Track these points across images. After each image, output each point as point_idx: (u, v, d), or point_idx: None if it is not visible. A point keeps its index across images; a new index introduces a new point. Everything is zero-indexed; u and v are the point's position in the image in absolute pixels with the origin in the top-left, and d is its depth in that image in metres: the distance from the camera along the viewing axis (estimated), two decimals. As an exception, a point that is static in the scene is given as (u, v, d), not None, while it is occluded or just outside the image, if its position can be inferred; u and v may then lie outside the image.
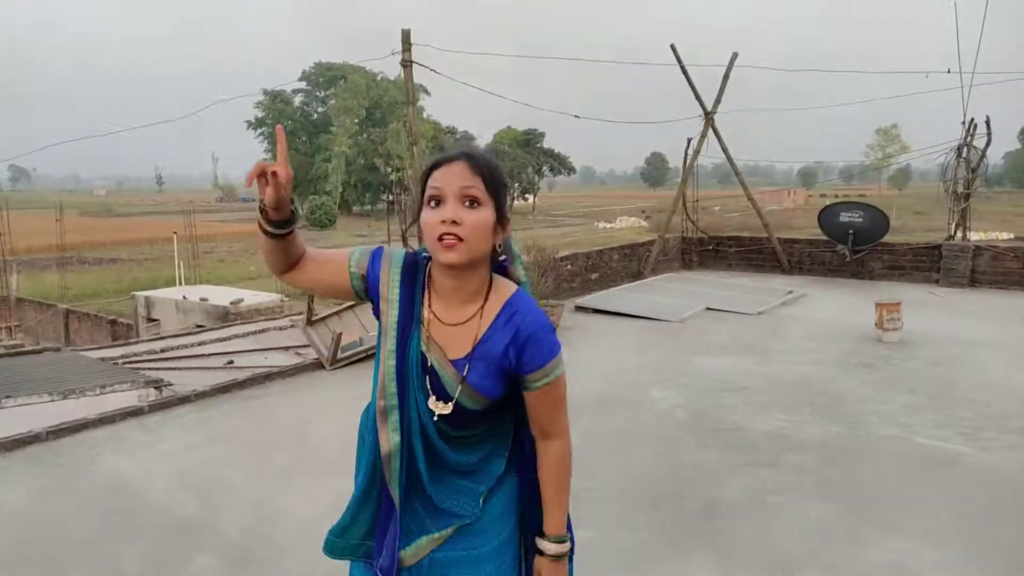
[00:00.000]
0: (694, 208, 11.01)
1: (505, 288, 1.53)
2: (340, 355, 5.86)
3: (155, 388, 8.44)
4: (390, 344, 1.50)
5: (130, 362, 11.62)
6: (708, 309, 7.92)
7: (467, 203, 1.42)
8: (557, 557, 1.59)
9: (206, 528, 3.41)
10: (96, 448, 4.43)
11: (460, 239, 1.40)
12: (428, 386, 1.50)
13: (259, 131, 64.58)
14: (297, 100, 66.11)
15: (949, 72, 8.55)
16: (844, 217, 9.63)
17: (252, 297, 15.22)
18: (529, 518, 1.65)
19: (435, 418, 1.50)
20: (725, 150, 10.29)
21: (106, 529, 3.42)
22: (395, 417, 1.49)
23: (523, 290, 1.55)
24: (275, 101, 63.29)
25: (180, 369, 11.53)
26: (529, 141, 66.90)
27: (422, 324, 1.50)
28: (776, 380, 5.47)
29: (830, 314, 7.80)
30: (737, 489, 3.71)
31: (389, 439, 1.50)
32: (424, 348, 1.49)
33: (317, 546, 3.24)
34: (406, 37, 6.71)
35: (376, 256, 1.55)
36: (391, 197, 58.91)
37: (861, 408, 4.84)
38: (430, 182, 1.45)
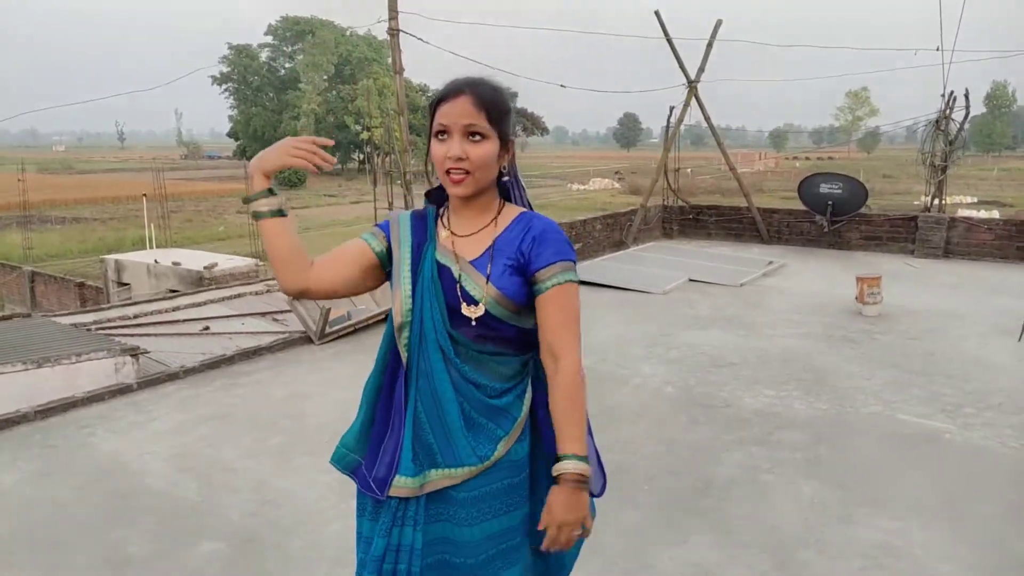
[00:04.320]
0: (675, 177, 11.03)
1: (517, 208, 1.65)
2: (328, 329, 5.82)
3: (132, 356, 8.34)
4: (404, 269, 1.57)
5: (103, 328, 11.44)
6: (691, 280, 8.00)
7: (471, 137, 1.50)
8: (576, 481, 1.49)
9: (208, 512, 3.41)
10: (87, 428, 4.38)
11: (467, 172, 1.50)
12: (443, 294, 1.55)
13: (224, 87, 62.91)
14: (264, 55, 64.37)
15: (938, 50, 8.60)
16: (824, 188, 9.73)
17: (226, 261, 14.99)
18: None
19: (451, 331, 1.54)
20: (708, 120, 10.29)
21: (107, 513, 3.40)
22: (406, 333, 1.57)
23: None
24: (241, 56, 61.59)
25: (155, 336, 11.41)
26: (502, 100, 66.07)
27: (436, 240, 1.59)
28: (762, 355, 5.58)
29: (811, 286, 7.93)
30: (731, 467, 3.80)
31: (403, 353, 1.58)
32: (439, 256, 1.57)
33: (321, 529, 3.29)
34: (393, 5, 6.55)
35: (385, 224, 1.64)
36: (362, 156, 58.14)
37: (846, 384, 4.96)
38: (437, 116, 1.52)
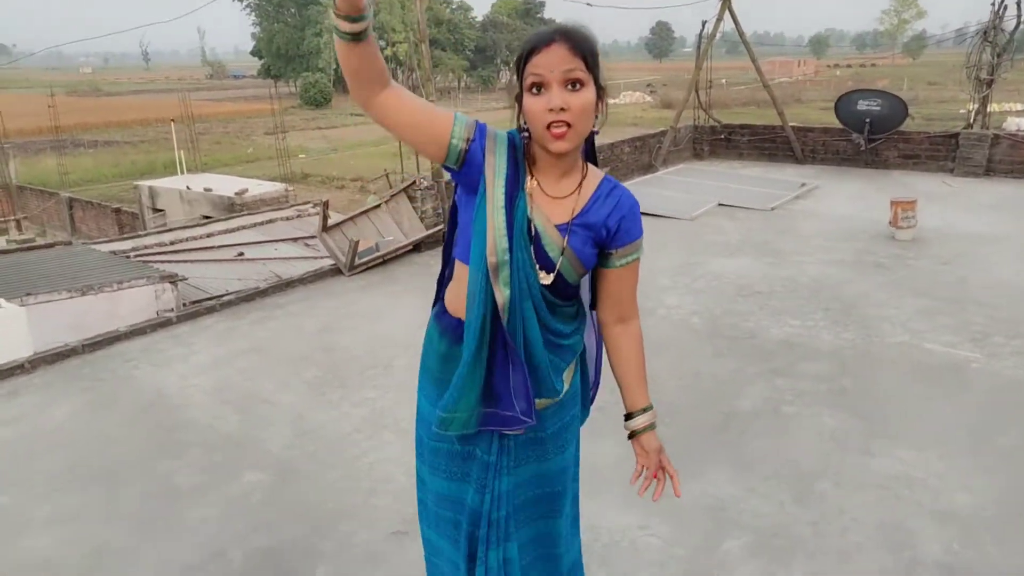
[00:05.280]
0: (707, 95, 10.71)
1: (598, 171, 1.63)
2: (357, 261, 5.91)
3: (170, 283, 8.60)
4: (498, 202, 1.51)
5: (141, 255, 11.76)
6: (720, 205, 7.89)
7: (570, 86, 1.43)
8: (652, 427, 1.76)
9: (248, 444, 3.59)
10: (132, 361, 4.58)
11: (569, 125, 1.43)
12: (532, 252, 1.54)
13: (245, 3, 61.66)
14: (284, -33, 62.55)
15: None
16: (862, 105, 9.39)
17: (256, 187, 15.11)
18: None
19: (540, 282, 1.57)
20: (742, 34, 9.88)
21: (154, 445, 3.60)
22: (506, 272, 1.51)
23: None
24: (261, -31, 60.04)
25: (192, 262, 11.71)
26: (529, 11, 64.01)
27: (527, 192, 1.54)
28: (790, 283, 5.55)
29: (843, 209, 7.78)
30: (754, 399, 3.86)
31: (502, 293, 1.52)
32: (529, 213, 1.53)
33: (357, 460, 3.45)
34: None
35: (482, 131, 1.54)
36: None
37: (874, 313, 4.94)
38: (529, 68, 1.44)
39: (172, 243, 12.26)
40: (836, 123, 9.96)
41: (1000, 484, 3.10)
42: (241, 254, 11.64)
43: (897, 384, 4.00)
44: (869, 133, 9.40)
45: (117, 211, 18.35)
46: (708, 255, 6.31)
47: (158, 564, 2.76)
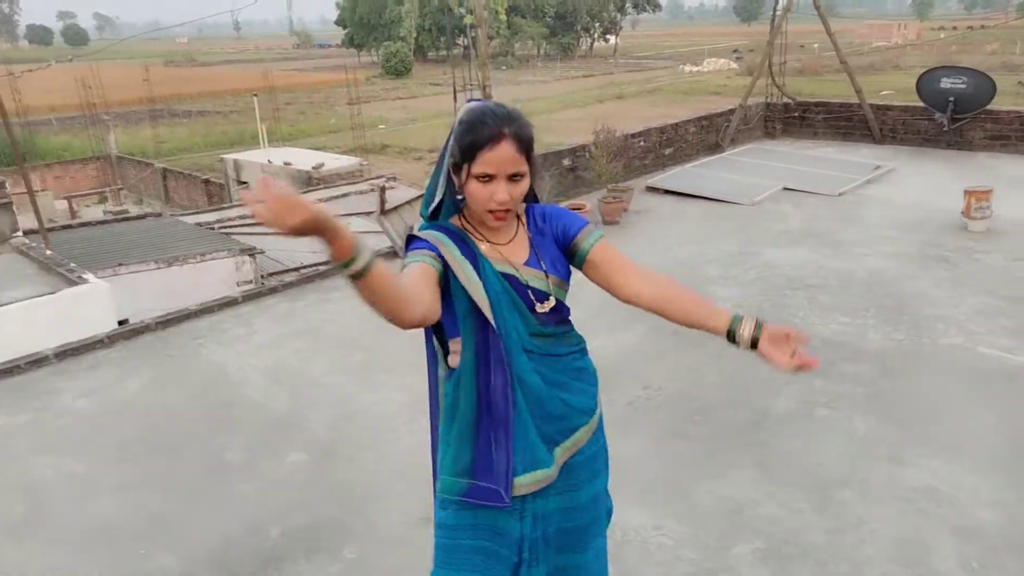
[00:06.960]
0: (781, 69, 10.35)
1: (522, 205, 1.80)
2: (413, 244, 6.10)
3: (249, 255, 9.06)
4: (472, 277, 1.60)
5: (225, 227, 12.38)
6: (785, 189, 7.69)
7: (513, 178, 1.61)
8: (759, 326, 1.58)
9: (296, 424, 3.84)
10: (199, 339, 4.92)
11: (509, 210, 1.63)
12: (519, 299, 1.66)
13: (331, -28, 62.57)
14: (368, -64, 63.01)
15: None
16: (945, 83, 8.89)
17: (332, 161, 15.57)
18: None
19: (535, 325, 1.67)
20: (818, 8, 9.47)
21: (211, 421, 3.90)
22: (501, 344, 1.64)
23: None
24: (345, -62, 60.68)
25: (270, 234, 12.28)
26: (612, -25, 62.45)
27: (484, 256, 1.66)
28: (845, 277, 5.41)
29: (916, 195, 7.45)
30: (788, 400, 3.84)
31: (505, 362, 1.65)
32: (498, 267, 1.66)
33: (392, 444, 3.65)
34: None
35: (432, 244, 1.61)
36: (466, 41, 56.93)
37: (929, 312, 4.78)
38: (479, 163, 1.56)
39: (253, 216, 12.88)
40: (918, 102, 9.47)
41: (1031, 502, 3.02)
42: (316, 227, 12.09)
43: (941, 390, 3.90)
44: (953, 112, 8.91)
45: (207, 182, 19.27)
46: (764, 244, 6.20)
47: (204, 533, 3.04)
